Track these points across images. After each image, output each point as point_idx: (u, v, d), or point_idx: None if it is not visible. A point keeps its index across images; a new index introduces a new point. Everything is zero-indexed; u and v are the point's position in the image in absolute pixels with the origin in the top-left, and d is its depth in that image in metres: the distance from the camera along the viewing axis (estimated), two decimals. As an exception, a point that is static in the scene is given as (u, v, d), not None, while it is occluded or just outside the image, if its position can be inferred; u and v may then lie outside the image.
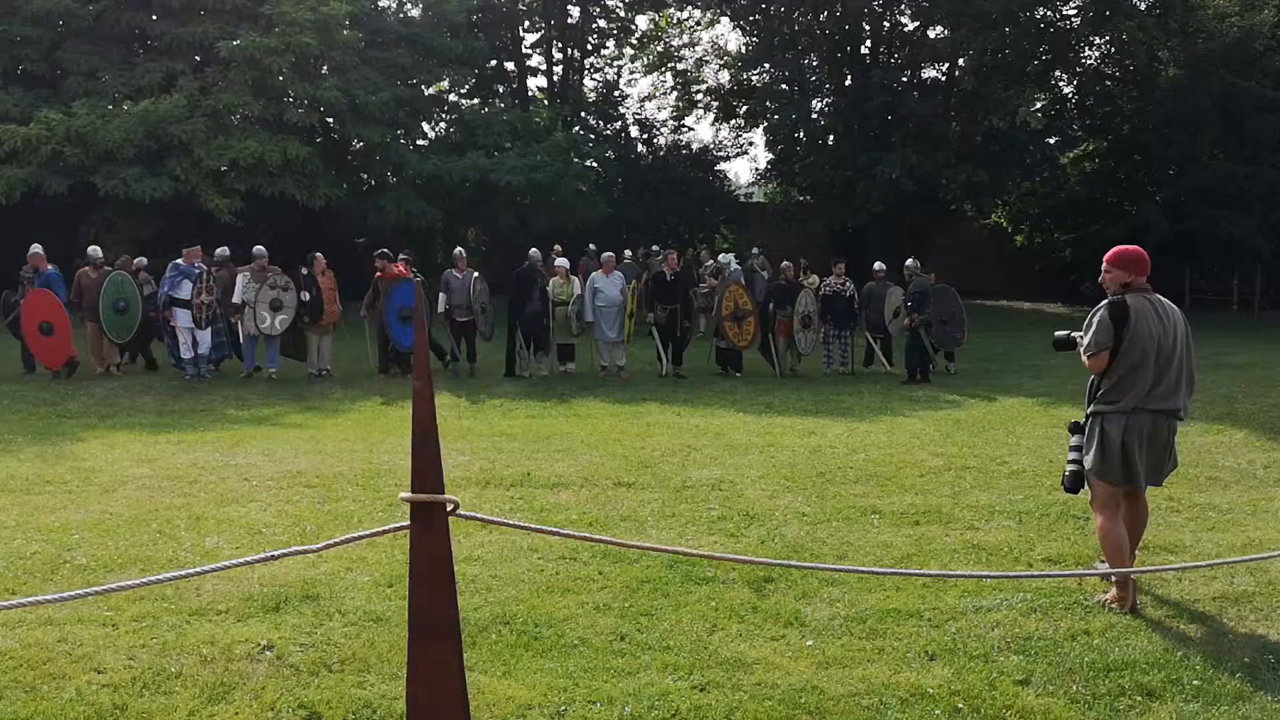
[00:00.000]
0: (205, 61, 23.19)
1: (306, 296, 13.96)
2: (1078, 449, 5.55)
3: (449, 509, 2.02)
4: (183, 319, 13.80)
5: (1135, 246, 5.50)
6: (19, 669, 4.34)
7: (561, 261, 15.84)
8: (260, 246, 14.36)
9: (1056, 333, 5.89)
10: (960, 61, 27.68)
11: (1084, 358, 5.41)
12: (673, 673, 4.42)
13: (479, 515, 2.24)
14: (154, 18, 23.37)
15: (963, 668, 4.50)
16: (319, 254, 14.53)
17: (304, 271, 14.19)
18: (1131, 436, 5.29)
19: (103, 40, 23.21)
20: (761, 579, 5.58)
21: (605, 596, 5.36)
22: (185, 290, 13.74)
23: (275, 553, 2.17)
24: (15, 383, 13.20)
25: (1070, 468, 5.57)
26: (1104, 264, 5.40)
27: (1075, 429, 5.61)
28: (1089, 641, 4.80)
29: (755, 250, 17.88)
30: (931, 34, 28.62)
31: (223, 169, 21.56)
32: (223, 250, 15.51)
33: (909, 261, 15.73)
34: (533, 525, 2.85)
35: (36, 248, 13.82)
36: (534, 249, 15.44)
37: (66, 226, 21.51)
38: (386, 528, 2.20)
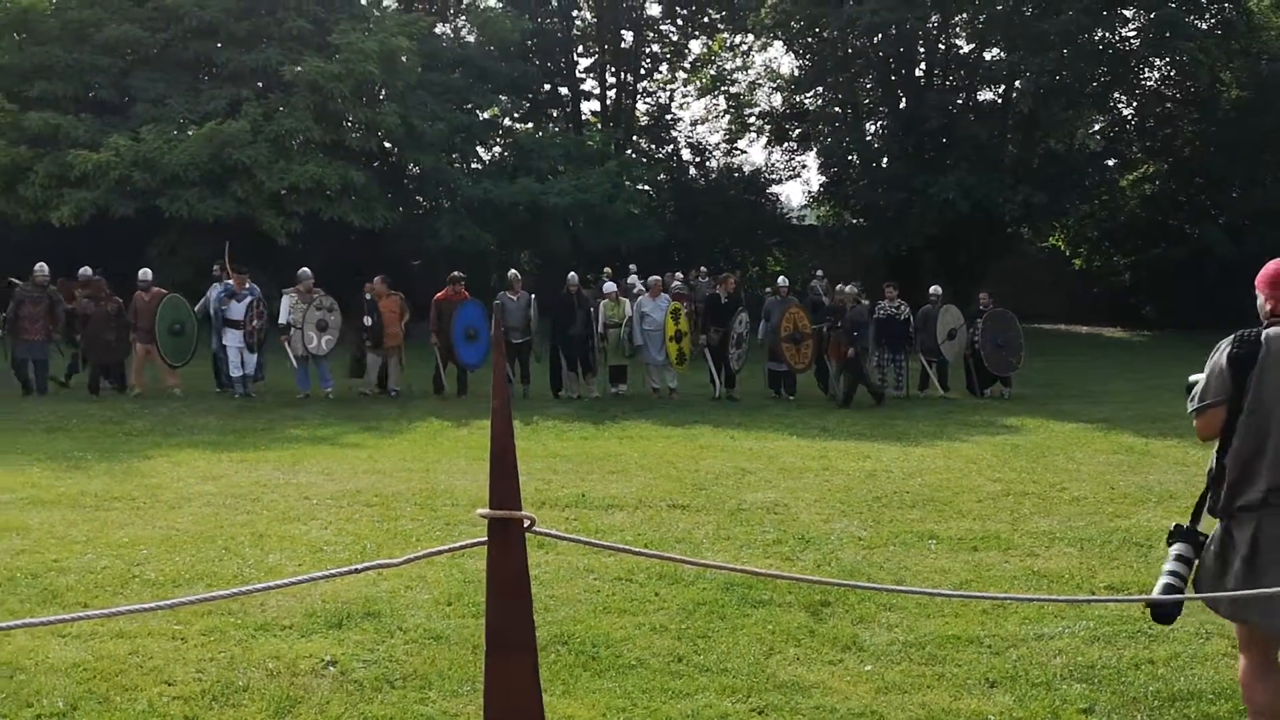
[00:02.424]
0: (268, 87, 23.67)
1: (369, 321, 14.17)
2: (1183, 560, 3.76)
3: (525, 525, 2.06)
4: (232, 339, 14.11)
5: None
6: (93, 680, 4.45)
7: (610, 285, 15.96)
8: (306, 269, 14.59)
9: (1192, 377, 3.96)
10: (1017, 83, 27.49)
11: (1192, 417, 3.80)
12: (730, 695, 4.43)
13: (553, 532, 2.29)
14: (219, 45, 23.89)
15: (1025, 695, 4.46)
16: (380, 276, 14.73)
17: (367, 297, 14.42)
18: (1268, 545, 3.57)
19: (170, 67, 23.78)
20: (818, 602, 5.57)
21: (662, 618, 5.38)
22: (237, 311, 14.02)
23: (358, 566, 2.22)
24: (85, 402, 13.50)
25: (1163, 580, 3.75)
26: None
27: (1180, 536, 3.81)
28: (1154, 671, 4.73)
29: (818, 274, 17.88)
30: (987, 56, 28.48)
31: (282, 192, 21.95)
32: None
33: (847, 287, 15.60)
34: (607, 543, 2.88)
35: None
36: (572, 273, 15.58)
37: (132, 247, 22.00)
38: (465, 543, 2.25)
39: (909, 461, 10.13)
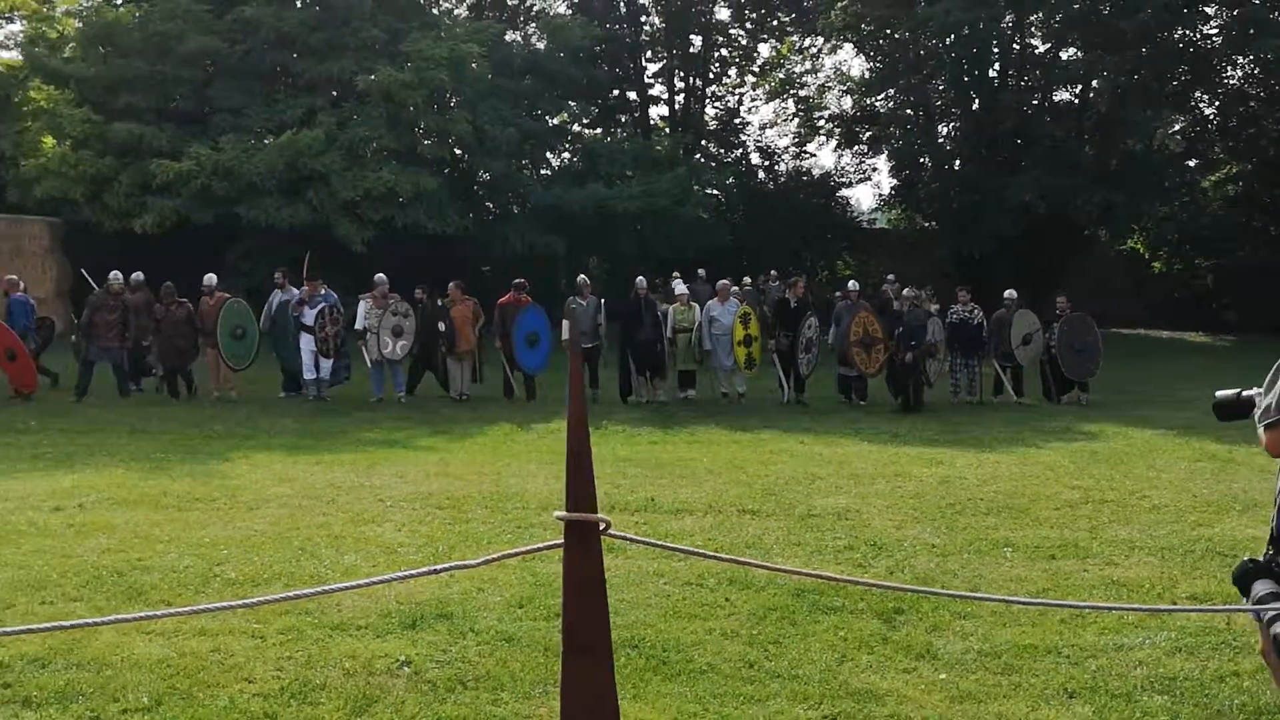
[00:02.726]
0: (342, 96, 24.11)
1: (443, 326, 14.35)
2: (1275, 597, 3.27)
3: (601, 528, 2.08)
4: (306, 343, 14.38)
5: None
6: (176, 676, 4.56)
7: (681, 288, 15.96)
8: (381, 275, 14.80)
9: (1219, 393, 3.77)
10: (1094, 83, 26.98)
11: (1260, 430, 3.32)
12: (802, 702, 4.40)
13: (628, 535, 2.30)
14: (295, 56, 24.39)
15: (1104, 707, 4.37)
16: (455, 282, 14.90)
17: (439, 303, 14.60)
18: None
19: (248, 78, 24.33)
20: (891, 610, 5.51)
21: (733, 623, 5.36)
22: (309, 317, 14.29)
23: (438, 567, 2.26)
24: (166, 404, 13.85)
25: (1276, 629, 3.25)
26: None
27: (1252, 573, 3.33)
28: (1238, 684, 4.60)
29: (889, 278, 17.74)
30: (1064, 55, 27.99)
31: (356, 199, 22.32)
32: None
33: (905, 290, 15.37)
34: (680, 546, 2.89)
35: (12, 278, 15.00)
36: (640, 277, 15.60)
37: (210, 253, 22.53)
38: (542, 545, 2.27)
39: (983, 468, 9.98)
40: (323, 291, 14.61)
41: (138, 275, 15.22)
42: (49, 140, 24.96)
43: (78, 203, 22.67)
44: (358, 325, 14.35)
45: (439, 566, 2.28)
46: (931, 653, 4.95)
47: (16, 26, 28.56)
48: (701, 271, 21.30)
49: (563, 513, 2.08)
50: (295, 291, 14.75)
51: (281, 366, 15.04)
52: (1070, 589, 6.05)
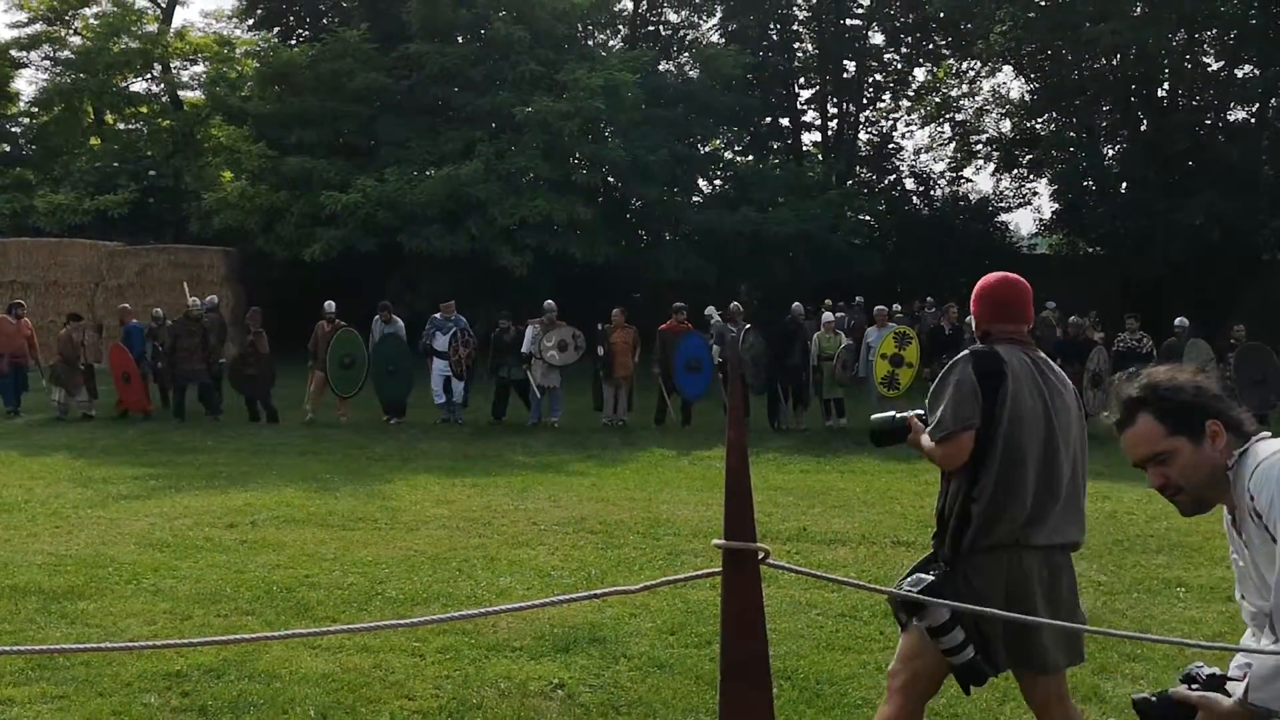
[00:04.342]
0: (501, 128, 24.76)
1: (602, 351, 14.54)
2: (958, 627, 3.27)
3: (760, 557, 2.06)
4: (438, 367, 14.78)
5: (1009, 275, 3.54)
6: (340, 691, 4.72)
7: (829, 316, 15.79)
8: (550, 301, 15.06)
9: (875, 417, 3.62)
10: (1272, 101, 25.60)
11: (928, 445, 3.37)
12: (963, 743, 4.26)
13: (786, 565, 2.27)
14: (456, 90, 25.19)
15: (1292, 762, 4.08)
16: (617, 309, 15.09)
17: (600, 327, 14.81)
18: (1020, 591, 3.27)
19: (412, 112, 25.26)
20: (1056, 650, 5.29)
21: (887, 657, 5.22)
22: (441, 342, 14.65)
23: (598, 592, 2.28)
24: (334, 427, 14.38)
25: (957, 659, 3.31)
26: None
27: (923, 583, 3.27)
28: None
29: (1050, 305, 17.19)
30: (1239, 73, 26.66)
31: (513, 227, 22.86)
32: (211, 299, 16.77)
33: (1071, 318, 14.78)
34: (839, 577, 2.84)
35: (125, 306, 16.24)
36: (797, 303, 15.47)
37: (373, 281, 23.42)
38: (701, 573, 2.26)
39: (1153, 503, 9.50)
40: (454, 316, 14.98)
41: (211, 299, 16.34)
42: (228, 175, 26.47)
43: (252, 233, 23.88)
44: (525, 349, 14.60)
45: (598, 591, 2.30)
46: (1099, 695, 4.74)
47: (200, 68, 30.42)
48: (859, 299, 21.03)
49: (721, 540, 2.07)
50: (399, 323, 15.23)
51: (379, 395, 15.08)
52: (1252, 635, 5.70)
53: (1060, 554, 3.35)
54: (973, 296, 3.53)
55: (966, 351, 3.37)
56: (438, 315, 15.15)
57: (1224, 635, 5.66)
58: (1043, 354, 3.51)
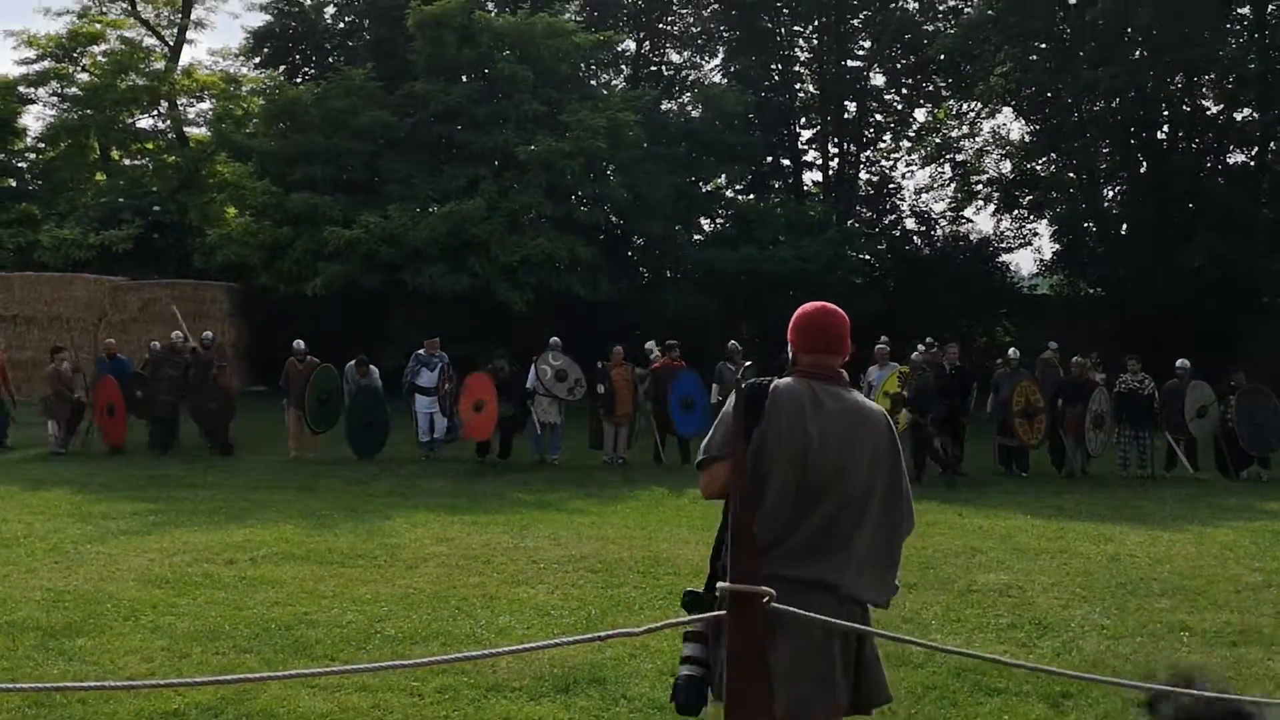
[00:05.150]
0: (504, 166, 24.90)
1: (601, 389, 14.53)
2: (699, 642, 3.24)
3: (764, 600, 2.05)
4: (422, 404, 14.79)
5: (825, 304, 3.51)
6: (338, 730, 4.69)
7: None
8: (556, 338, 15.09)
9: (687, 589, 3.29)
10: (1271, 145, 25.75)
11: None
12: (965, 788, 4.22)
13: (791, 608, 2.27)
14: (460, 128, 25.36)
15: (1298, 811, 4.04)
16: (618, 347, 15.12)
17: (599, 365, 14.82)
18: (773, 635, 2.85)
19: (415, 150, 25.41)
20: (1059, 694, 5.27)
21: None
22: (425, 378, 14.67)
23: (602, 634, 2.27)
24: (333, 463, 14.35)
25: (684, 670, 3.26)
26: None
27: (695, 603, 3.13)
28: None
29: (1052, 345, 17.24)
30: (1238, 117, 26.85)
31: (515, 264, 22.92)
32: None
33: (1075, 358, 14.88)
34: (839, 621, 2.82)
35: (110, 341, 16.52)
36: None
37: (374, 317, 23.46)
38: (707, 615, 2.25)
39: (1156, 546, 9.48)
40: (438, 353, 15.00)
41: (207, 335, 16.57)
42: (232, 210, 26.62)
43: (255, 268, 23.96)
44: (528, 385, 14.62)
45: (602, 634, 2.29)
46: (1104, 743, 4.70)
47: (206, 105, 30.68)
48: (885, 338, 20.95)
49: (726, 583, 2.06)
50: (375, 374, 15.31)
51: (352, 445, 14.99)
52: (1255, 679, 5.67)
53: (820, 591, 3.09)
54: (792, 326, 3.47)
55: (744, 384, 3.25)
56: (421, 352, 15.16)
57: (1228, 681, 5.62)
58: (852, 392, 3.39)
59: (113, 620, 6.44)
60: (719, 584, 2.13)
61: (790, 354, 3.47)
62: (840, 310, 3.48)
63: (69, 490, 11.73)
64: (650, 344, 15.76)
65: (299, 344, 15.39)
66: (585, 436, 15.21)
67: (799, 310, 3.49)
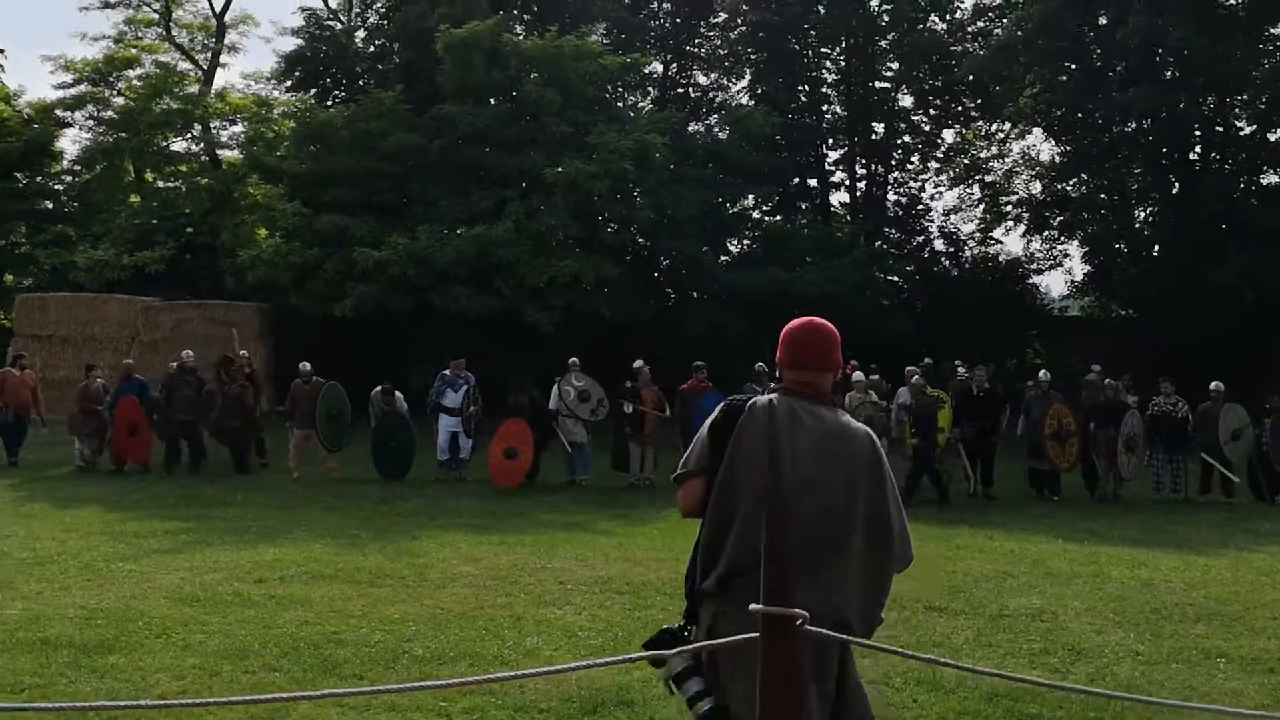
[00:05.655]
0: (531, 188, 25.02)
1: (629, 409, 14.53)
2: (697, 675, 3.07)
3: (798, 622, 2.04)
4: (446, 423, 14.83)
5: (813, 319, 3.46)
6: (366, 750, 4.68)
7: (860, 376, 15.70)
8: (575, 359, 15.14)
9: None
10: (1305, 165, 25.53)
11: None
12: (999, 815, 4.17)
13: (824, 631, 2.25)
14: (488, 150, 25.51)
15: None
16: (645, 367, 15.13)
17: (628, 384, 14.83)
18: (730, 658, 2.89)
19: (444, 172, 25.55)
20: (1093, 720, 5.20)
21: (921, 726, 5.15)
22: (450, 399, 14.74)
23: (631, 655, 2.26)
24: (360, 483, 14.41)
25: (704, 705, 3.03)
26: None
27: (674, 640, 3.10)
28: None
29: (1095, 368, 17.12)
30: (1271, 137, 26.62)
31: (542, 286, 23.00)
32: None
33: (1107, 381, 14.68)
34: (870, 643, 2.80)
35: (128, 361, 16.74)
36: None
37: (402, 338, 23.56)
38: (741, 637, 2.24)
39: (1191, 571, 9.36)
40: (464, 374, 15.06)
41: (243, 354, 16.48)
42: (263, 232, 26.86)
43: (285, 289, 24.15)
44: (552, 406, 14.68)
45: (632, 655, 2.28)
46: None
47: (238, 128, 31.04)
48: (927, 361, 20.81)
49: (759, 605, 2.05)
50: (401, 400, 15.40)
51: (377, 467, 15.10)
52: (1295, 707, 5.57)
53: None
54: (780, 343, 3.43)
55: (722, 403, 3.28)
56: (446, 372, 15.23)
57: (1267, 708, 5.54)
58: (837, 411, 3.29)
59: (144, 638, 6.47)
60: (751, 606, 2.10)
61: (777, 370, 3.40)
62: (829, 325, 3.41)
63: (101, 508, 11.83)
64: (639, 362, 15.58)
65: (305, 365, 15.63)
66: (607, 457, 15.21)
67: (788, 325, 3.42)
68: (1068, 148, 29.16)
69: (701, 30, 32.80)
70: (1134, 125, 26.45)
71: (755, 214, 30.90)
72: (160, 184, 31.96)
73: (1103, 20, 25.54)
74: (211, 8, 33.07)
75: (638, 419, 14.54)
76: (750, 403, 3.24)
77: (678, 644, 3.02)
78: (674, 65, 33.49)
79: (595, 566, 9.04)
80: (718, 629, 3.02)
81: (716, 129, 30.87)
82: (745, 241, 30.17)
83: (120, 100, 30.40)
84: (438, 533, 10.65)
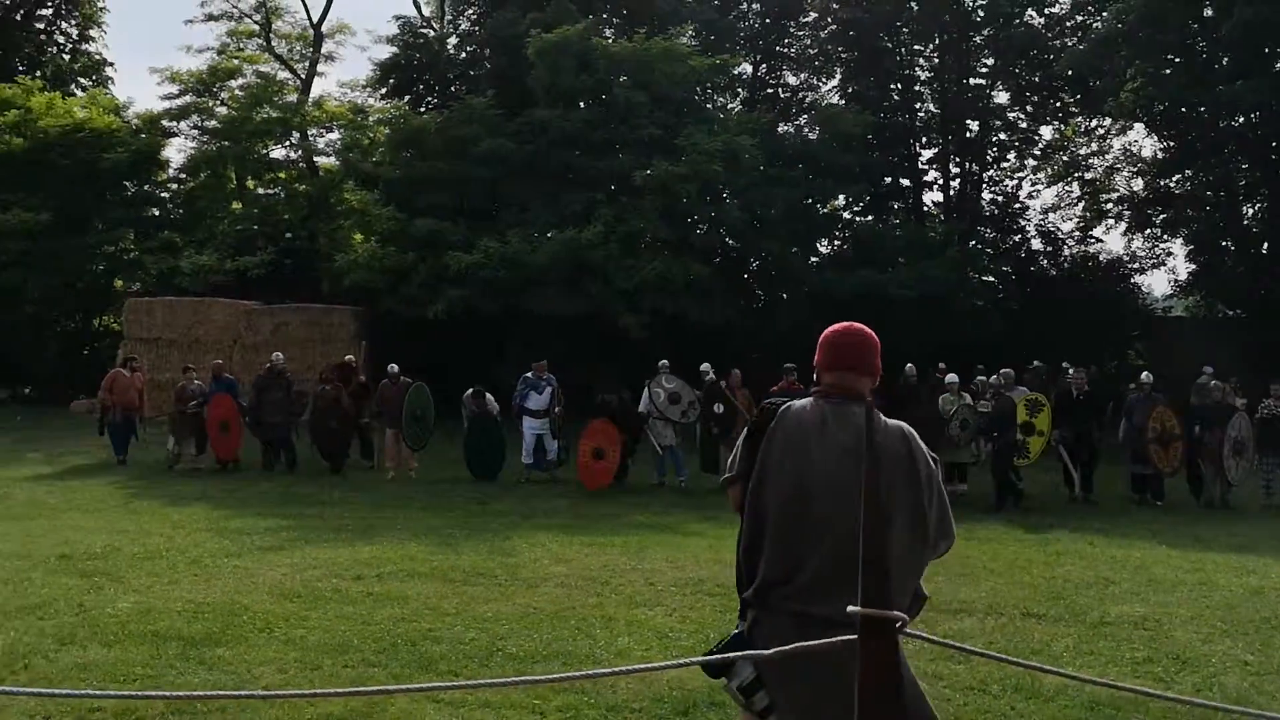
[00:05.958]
0: (620, 191, 25.12)
1: (720, 409, 14.52)
2: (761, 689, 3.14)
3: (897, 625, 2.02)
4: (529, 426, 14.99)
5: (853, 324, 3.49)
6: (462, 746, 4.75)
7: (952, 377, 15.46)
8: (665, 361, 15.18)
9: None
10: None
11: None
12: (1101, 827, 4.07)
13: (922, 635, 2.23)
14: (578, 154, 25.69)
15: None
16: (735, 370, 15.13)
17: (721, 383, 14.83)
18: (770, 666, 2.97)
19: (534, 176, 25.81)
20: (1201, 732, 5.04)
21: (1020, 734, 5.05)
22: (534, 401, 14.89)
23: (730, 655, 2.25)
24: (454, 483, 14.63)
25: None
26: None
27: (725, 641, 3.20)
28: None
29: (1207, 370, 16.63)
30: (1388, 129, 25.51)
31: (631, 289, 23.07)
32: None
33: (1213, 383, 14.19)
34: (974, 649, 2.77)
35: (218, 361, 17.18)
36: (910, 364, 15.26)
37: (492, 340, 23.84)
38: (837, 639, 2.23)
39: (1303, 580, 9.02)
40: (546, 375, 15.16)
41: (349, 358, 17.23)
42: (358, 237, 27.43)
43: (379, 292, 24.61)
44: (642, 409, 14.76)
45: (730, 654, 2.28)
46: (1251, 785, 4.48)
47: (335, 135, 31.72)
48: (980, 368, 20.50)
49: (857, 607, 2.04)
50: (492, 402, 15.54)
51: (470, 468, 15.37)
52: None
53: (841, 629, 2.55)
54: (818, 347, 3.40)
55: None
56: (529, 375, 15.39)
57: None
58: (873, 413, 3.07)
59: (249, 631, 6.66)
60: (849, 608, 2.09)
61: (815, 373, 3.39)
62: (868, 331, 3.39)
63: (207, 506, 12.21)
64: (705, 366, 15.53)
65: (393, 367, 16.03)
66: (697, 458, 15.20)
67: (827, 329, 3.44)
68: (1171, 143, 28.32)
69: (791, 30, 32.57)
70: (1241, 119, 25.58)
71: (846, 214, 30.60)
72: (260, 191, 32.80)
73: (1208, 12, 24.74)
74: (309, 18, 33.91)
75: (728, 419, 14.51)
76: (783, 408, 3.23)
77: (740, 649, 3.05)
78: (763, 66, 33.34)
79: (686, 568, 9.04)
80: (752, 637, 3.09)
81: (806, 129, 30.62)
82: (836, 242, 29.90)
83: (223, 110, 31.29)
84: (529, 533, 10.76)
